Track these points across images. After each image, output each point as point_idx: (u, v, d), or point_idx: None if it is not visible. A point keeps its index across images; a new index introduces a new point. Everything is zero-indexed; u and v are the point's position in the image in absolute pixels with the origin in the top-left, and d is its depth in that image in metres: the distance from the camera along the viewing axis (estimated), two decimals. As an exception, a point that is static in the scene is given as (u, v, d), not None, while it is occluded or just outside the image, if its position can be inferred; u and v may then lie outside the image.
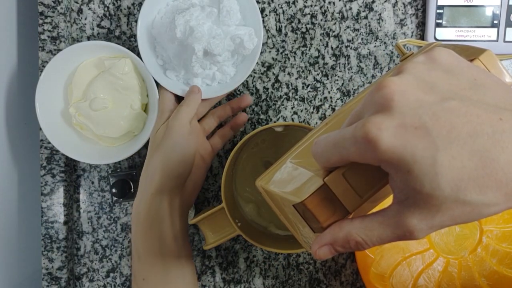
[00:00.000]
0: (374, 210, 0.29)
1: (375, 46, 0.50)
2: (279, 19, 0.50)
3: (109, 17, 0.50)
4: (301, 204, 0.25)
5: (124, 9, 0.50)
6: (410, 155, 0.20)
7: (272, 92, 0.51)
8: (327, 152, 0.24)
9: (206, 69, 0.47)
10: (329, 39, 0.50)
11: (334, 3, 0.50)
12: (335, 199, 0.25)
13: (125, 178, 0.49)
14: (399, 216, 0.23)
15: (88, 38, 0.51)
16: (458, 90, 0.22)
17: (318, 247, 0.26)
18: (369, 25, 0.50)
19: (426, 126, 0.20)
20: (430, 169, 0.20)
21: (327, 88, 0.51)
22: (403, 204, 0.22)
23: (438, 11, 0.48)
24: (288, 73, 0.51)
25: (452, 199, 0.21)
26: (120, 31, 0.50)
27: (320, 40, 0.50)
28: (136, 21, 0.50)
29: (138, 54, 0.50)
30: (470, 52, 0.28)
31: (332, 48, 0.50)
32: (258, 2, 0.50)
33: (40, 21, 0.50)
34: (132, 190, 0.49)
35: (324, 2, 0.50)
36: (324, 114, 0.51)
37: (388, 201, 0.25)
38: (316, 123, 0.51)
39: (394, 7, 0.50)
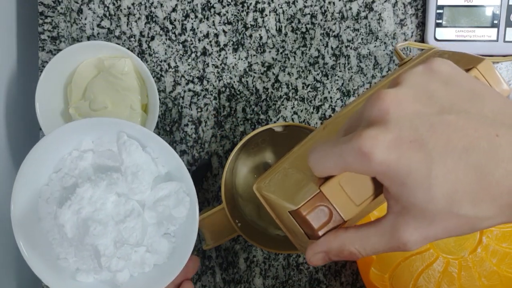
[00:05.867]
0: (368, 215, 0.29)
1: (375, 46, 0.50)
2: (279, 19, 0.50)
3: (109, 17, 0.50)
4: (297, 211, 0.25)
5: (124, 9, 0.50)
6: (405, 168, 0.21)
7: (272, 92, 0.51)
8: (323, 162, 0.24)
9: (129, 259, 0.34)
10: (329, 39, 0.50)
11: (334, 3, 0.50)
12: (330, 207, 0.25)
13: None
14: (394, 227, 0.23)
15: (88, 38, 0.51)
16: (456, 102, 0.22)
17: (312, 255, 0.26)
18: (369, 25, 0.50)
19: (422, 138, 0.21)
20: (424, 182, 0.20)
21: (327, 88, 0.51)
22: (397, 215, 0.23)
23: (438, 11, 0.48)
24: (288, 73, 0.51)
25: (446, 212, 0.21)
26: (120, 31, 0.50)
27: (320, 40, 0.50)
28: (136, 21, 0.50)
29: (138, 54, 0.50)
30: (468, 60, 0.28)
31: (332, 48, 0.50)
32: (258, 3, 0.50)
33: (40, 21, 0.50)
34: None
35: (324, 2, 0.50)
36: (324, 114, 0.51)
37: (383, 208, 0.25)
38: (316, 123, 0.51)
39: (394, 7, 0.50)
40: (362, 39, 0.50)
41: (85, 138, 0.36)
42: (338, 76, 0.50)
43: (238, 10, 0.50)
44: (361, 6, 0.50)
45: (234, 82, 0.51)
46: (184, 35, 0.50)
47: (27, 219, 0.35)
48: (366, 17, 0.50)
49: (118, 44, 0.48)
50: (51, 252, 0.35)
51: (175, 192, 0.35)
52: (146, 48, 0.50)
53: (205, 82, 0.51)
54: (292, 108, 0.51)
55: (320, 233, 0.25)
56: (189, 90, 0.51)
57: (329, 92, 0.51)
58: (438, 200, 0.21)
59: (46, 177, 0.35)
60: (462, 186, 0.20)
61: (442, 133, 0.20)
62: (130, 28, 0.51)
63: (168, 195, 0.35)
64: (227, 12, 0.50)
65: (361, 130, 0.22)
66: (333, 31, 0.50)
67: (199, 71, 0.50)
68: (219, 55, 0.50)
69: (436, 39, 0.48)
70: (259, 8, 0.50)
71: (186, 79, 0.51)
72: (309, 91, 0.51)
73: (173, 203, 0.34)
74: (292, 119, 0.51)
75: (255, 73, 0.51)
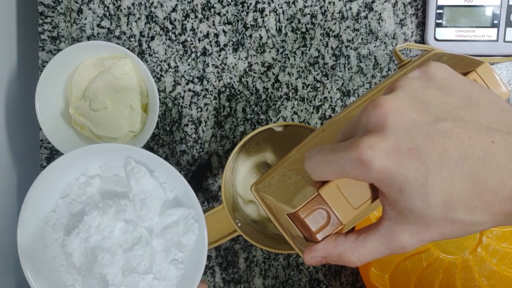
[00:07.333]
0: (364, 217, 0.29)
1: (375, 46, 0.50)
2: (279, 19, 0.50)
3: (109, 17, 0.50)
4: (295, 214, 0.25)
5: (124, 9, 0.50)
6: (402, 175, 0.21)
7: (272, 92, 0.51)
8: (320, 168, 0.24)
9: (137, 287, 0.33)
10: (329, 39, 0.50)
11: (334, 3, 0.50)
12: (328, 210, 0.25)
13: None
14: (391, 233, 0.24)
15: (88, 38, 0.51)
16: (451, 109, 0.22)
17: (310, 258, 0.26)
18: (369, 25, 0.50)
19: (418, 148, 0.21)
20: (421, 190, 0.21)
21: (327, 88, 0.51)
22: (394, 221, 0.23)
23: (438, 11, 0.48)
24: (288, 73, 0.51)
25: (442, 218, 0.22)
26: (120, 31, 0.50)
27: (320, 40, 0.50)
28: (136, 21, 0.50)
29: (138, 54, 0.50)
30: (467, 63, 0.28)
31: (332, 48, 0.50)
32: (258, 3, 0.50)
33: (40, 21, 0.50)
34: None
35: (324, 2, 0.50)
36: (324, 114, 0.51)
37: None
38: (316, 123, 0.51)
39: (394, 7, 0.50)
40: (362, 39, 0.50)
41: (92, 163, 0.36)
42: (338, 76, 0.50)
43: (238, 10, 0.50)
44: (361, 6, 0.50)
45: (234, 82, 0.51)
46: (184, 35, 0.50)
47: (34, 245, 0.34)
48: (366, 17, 0.50)
49: (118, 44, 0.48)
50: (58, 279, 0.35)
51: (184, 219, 0.34)
52: (146, 48, 0.50)
53: (205, 82, 0.51)
54: (292, 108, 0.51)
55: (318, 236, 0.25)
56: (189, 90, 0.51)
57: (329, 92, 0.51)
58: (434, 207, 0.21)
59: (52, 203, 0.35)
60: (458, 194, 0.21)
61: (438, 142, 0.21)
62: (130, 28, 0.50)
63: (176, 222, 0.34)
64: (227, 12, 0.50)
65: (359, 137, 0.22)
66: (333, 31, 0.50)
67: (199, 71, 0.50)
68: (219, 55, 0.50)
69: (436, 39, 0.48)
70: (259, 8, 0.50)
71: (186, 79, 0.51)
72: (309, 91, 0.51)
73: (182, 230, 0.34)
74: (292, 119, 0.51)
75: (255, 73, 0.51)
